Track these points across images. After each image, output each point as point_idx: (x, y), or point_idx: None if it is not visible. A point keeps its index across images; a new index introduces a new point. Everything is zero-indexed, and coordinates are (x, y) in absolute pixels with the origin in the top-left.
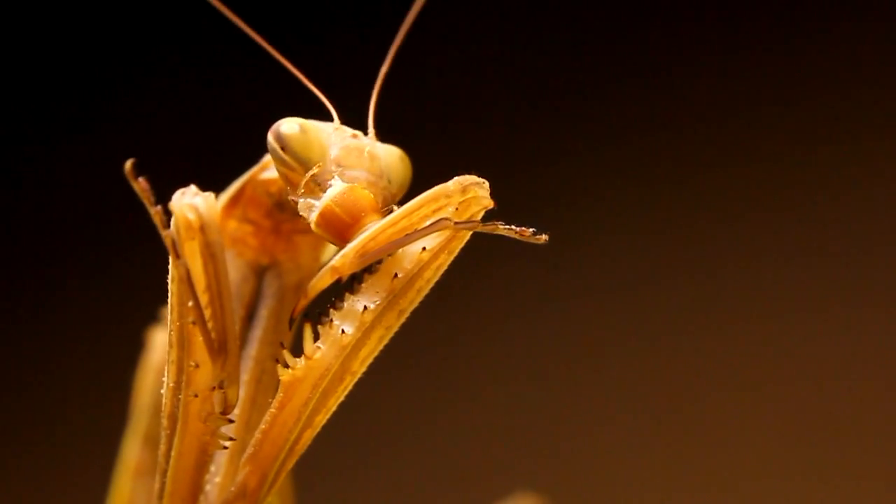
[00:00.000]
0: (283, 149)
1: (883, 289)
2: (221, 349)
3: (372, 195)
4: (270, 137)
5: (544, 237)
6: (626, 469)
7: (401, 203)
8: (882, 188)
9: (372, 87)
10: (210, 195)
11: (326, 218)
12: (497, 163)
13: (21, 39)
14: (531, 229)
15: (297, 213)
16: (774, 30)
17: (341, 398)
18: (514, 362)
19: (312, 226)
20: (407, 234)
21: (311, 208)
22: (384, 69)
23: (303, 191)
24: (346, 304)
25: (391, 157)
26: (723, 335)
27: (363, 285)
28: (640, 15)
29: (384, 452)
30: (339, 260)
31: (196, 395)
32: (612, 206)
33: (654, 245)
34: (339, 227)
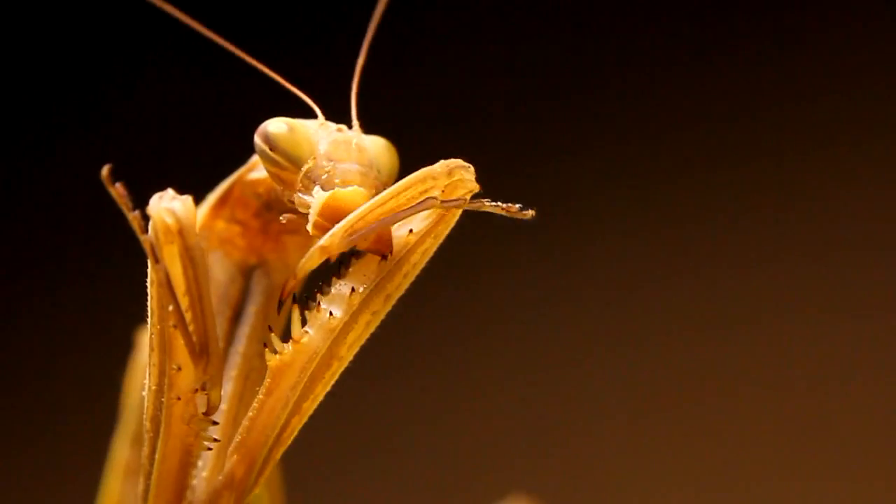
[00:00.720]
0: (271, 149)
1: (882, 289)
2: (203, 352)
3: (363, 190)
4: (258, 139)
5: (531, 212)
6: (621, 471)
7: None
8: (882, 188)
9: (351, 81)
10: (188, 198)
11: (320, 229)
12: (481, 151)
13: None
14: (517, 205)
15: (290, 212)
16: (774, 29)
17: (329, 385)
18: (510, 363)
19: (311, 232)
20: (395, 214)
21: (307, 208)
22: (360, 60)
23: (300, 187)
24: (333, 288)
25: (378, 147)
26: (720, 337)
27: (350, 269)
28: (627, 9)
29: (378, 453)
30: (327, 240)
31: (179, 398)
32: (605, 206)
33: (650, 246)
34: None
